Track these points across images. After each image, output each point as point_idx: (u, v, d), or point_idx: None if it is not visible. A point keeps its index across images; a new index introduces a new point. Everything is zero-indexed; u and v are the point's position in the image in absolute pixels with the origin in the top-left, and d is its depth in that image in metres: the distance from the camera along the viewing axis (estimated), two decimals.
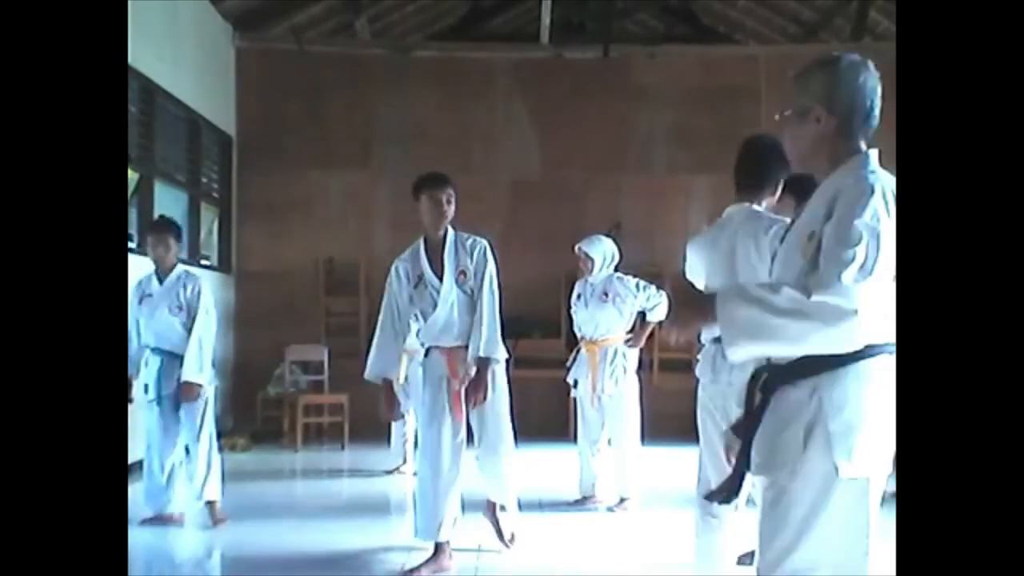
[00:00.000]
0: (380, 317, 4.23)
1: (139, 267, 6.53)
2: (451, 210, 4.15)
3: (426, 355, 4.23)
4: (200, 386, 4.86)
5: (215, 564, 4.63)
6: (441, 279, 4.14)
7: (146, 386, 4.91)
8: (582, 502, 5.61)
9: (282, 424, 8.14)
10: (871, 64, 2.11)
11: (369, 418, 8.12)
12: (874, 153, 2.09)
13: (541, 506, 5.49)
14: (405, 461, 6.67)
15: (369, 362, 4.19)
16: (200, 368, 4.85)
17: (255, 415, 8.54)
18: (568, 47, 9.48)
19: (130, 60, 5.86)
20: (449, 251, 4.17)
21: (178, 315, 4.90)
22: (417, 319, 4.20)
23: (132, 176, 6.91)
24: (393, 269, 4.25)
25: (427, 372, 4.20)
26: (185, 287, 4.96)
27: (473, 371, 4.12)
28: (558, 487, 5.95)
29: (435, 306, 4.12)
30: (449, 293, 4.13)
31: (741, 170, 3.40)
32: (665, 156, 8.81)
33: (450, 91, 9.23)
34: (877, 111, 2.11)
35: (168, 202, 7.72)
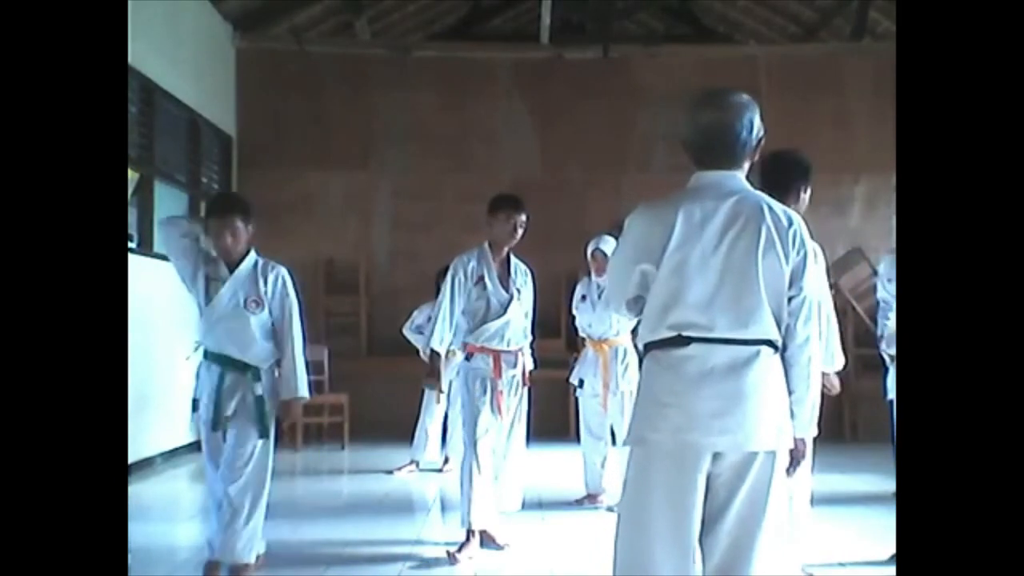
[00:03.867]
0: (442, 299, 4.50)
1: (139, 267, 6.54)
2: (520, 234, 4.55)
3: (468, 356, 4.51)
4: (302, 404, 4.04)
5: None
6: (506, 290, 4.55)
7: (195, 401, 4.01)
8: (583, 502, 5.61)
9: (282, 424, 8.13)
10: (713, 98, 2.42)
11: (369, 418, 8.17)
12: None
13: (541, 506, 5.49)
14: (447, 460, 6.80)
15: (433, 333, 4.46)
16: (305, 381, 4.00)
17: None
18: (568, 47, 9.47)
19: (130, 60, 5.86)
20: (514, 268, 4.64)
21: (255, 313, 3.89)
22: (463, 317, 4.52)
23: (132, 176, 6.91)
24: (458, 265, 4.54)
25: (472, 371, 4.50)
26: (265, 278, 3.93)
27: (517, 375, 4.57)
28: (558, 487, 5.95)
29: (488, 308, 4.49)
30: (513, 303, 4.53)
31: (769, 182, 3.51)
32: (665, 155, 8.79)
33: (450, 91, 9.23)
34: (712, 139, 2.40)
35: (168, 202, 7.72)
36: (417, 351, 7.14)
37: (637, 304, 2.42)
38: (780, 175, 3.47)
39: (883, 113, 8.31)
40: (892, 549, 4.04)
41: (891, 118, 2.00)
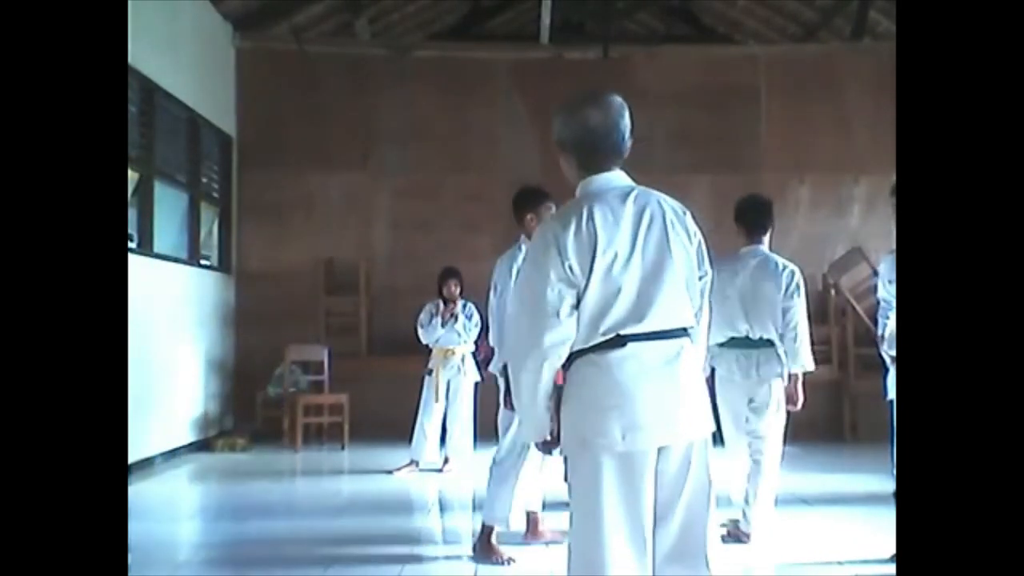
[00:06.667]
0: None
1: (139, 267, 6.54)
2: None
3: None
4: None
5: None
6: None
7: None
8: None
9: (282, 424, 8.14)
10: (595, 100, 2.46)
11: (369, 418, 8.17)
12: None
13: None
14: (447, 460, 6.83)
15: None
16: None
17: (255, 415, 8.54)
18: (568, 47, 9.47)
19: (130, 60, 5.86)
20: None
21: None
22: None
23: (132, 176, 6.91)
24: (518, 270, 4.23)
25: None
26: None
27: None
28: (558, 487, 5.94)
29: None
30: None
31: (749, 218, 4.59)
32: (665, 156, 8.79)
33: (450, 91, 9.23)
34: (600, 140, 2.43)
35: (168, 202, 7.73)
36: (415, 351, 7.15)
37: (562, 328, 2.28)
38: (757, 214, 4.60)
39: (883, 113, 8.31)
40: (892, 548, 4.05)
41: (891, 118, 2.00)
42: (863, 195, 9.20)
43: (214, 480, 6.92)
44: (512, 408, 4.29)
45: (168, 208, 7.74)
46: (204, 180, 8.53)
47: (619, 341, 2.27)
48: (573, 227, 2.31)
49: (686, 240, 2.40)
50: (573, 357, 2.34)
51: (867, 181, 9.11)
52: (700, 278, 2.45)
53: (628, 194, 2.40)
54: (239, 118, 9.05)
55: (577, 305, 2.30)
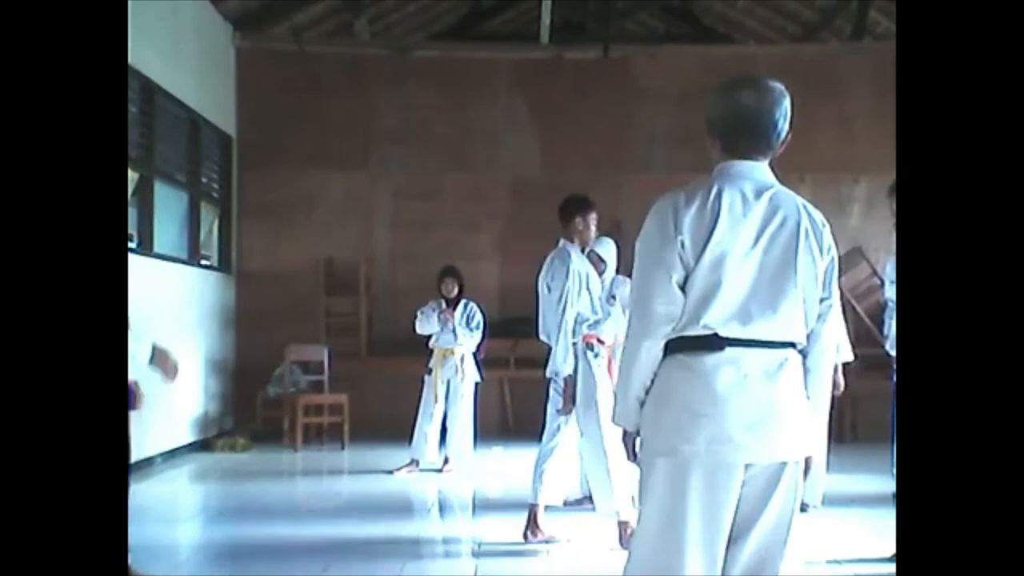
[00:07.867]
0: (559, 319, 4.49)
1: (139, 267, 6.54)
2: None
3: (590, 347, 4.57)
4: None
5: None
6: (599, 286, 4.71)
7: None
8: (582, 502, 5.60)
9: (282, 424, 8.14)
10: (753, 82, 2.32)
11: (369, 418, 8.17)
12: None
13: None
14: (447, 460, 6.87)
15: (560, 360, 4.49)
16: None
17: (255, 415, 8.54)
18: (568, 47, 9.47)
19: (130, 60, 5.86)
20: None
21: None
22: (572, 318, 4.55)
23: (132, 176, 6.91)
24: (573, 270, 4.50)
25: (589, 365, 4.56)
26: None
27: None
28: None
29: (592, 305, 4.58)
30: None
31: None
32: (665, 156, 8.79)
33: (450, 91, 9.23)
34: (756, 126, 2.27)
35: (168, 202, 7.73)
36: (415, 351, 7.15)
37: (675, 297, 2.15)
38: None
39: (883, 113, 8.30)
40: (892, 548, 4.05)
41: (891, 118, 2.00)
42: (863, 195, 9.20)
43: (214, 480, 6.93)
44: (566, 411, 4.49)
45: (168, 208, 7.74)
46: (204, 180, 8.52)
47: (717, 343, 2.13)
48: (697, 202, 2.16)
49: (817, 254, 2.20)
50: (669, 350, 2.19)
51: (867, 181, 9.11)
52: (822, 300, 2.24)
53: (765, 191, 2.21)
54: (239, 118, 9.05)
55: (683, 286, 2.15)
